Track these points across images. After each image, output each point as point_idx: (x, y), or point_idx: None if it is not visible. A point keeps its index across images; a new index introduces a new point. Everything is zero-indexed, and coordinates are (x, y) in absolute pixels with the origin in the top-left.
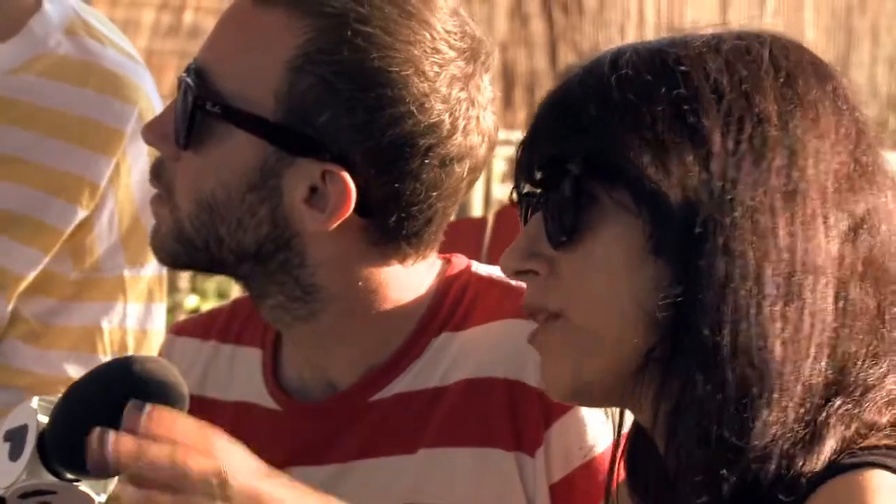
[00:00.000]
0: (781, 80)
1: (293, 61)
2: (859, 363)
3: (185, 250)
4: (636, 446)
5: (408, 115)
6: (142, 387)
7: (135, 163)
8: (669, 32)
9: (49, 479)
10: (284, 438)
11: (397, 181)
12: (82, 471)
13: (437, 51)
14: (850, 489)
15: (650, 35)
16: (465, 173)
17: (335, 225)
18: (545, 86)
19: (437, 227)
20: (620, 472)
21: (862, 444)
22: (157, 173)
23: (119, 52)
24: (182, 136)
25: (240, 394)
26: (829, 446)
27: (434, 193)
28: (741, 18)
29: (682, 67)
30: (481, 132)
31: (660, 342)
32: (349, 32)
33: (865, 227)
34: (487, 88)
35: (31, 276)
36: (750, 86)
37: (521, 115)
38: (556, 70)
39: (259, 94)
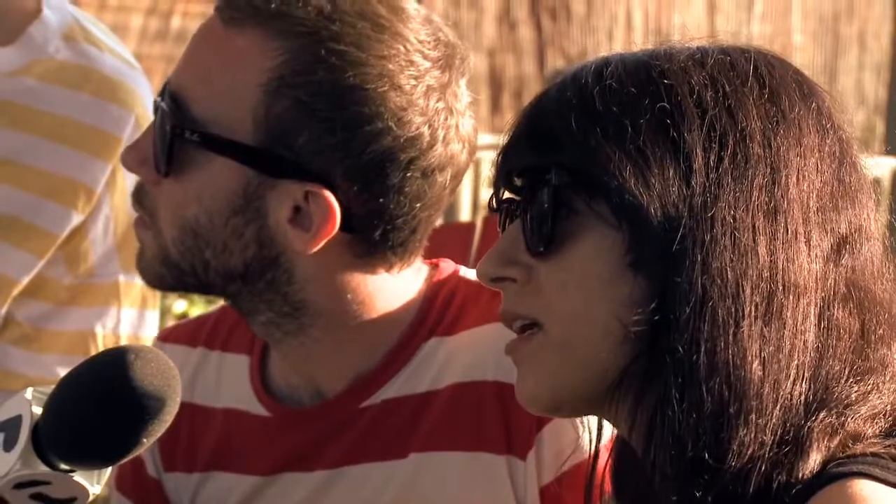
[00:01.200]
0: (765, 96)
1: (268, 84)
2: (843, 382)
3: (171, 274)
4: (621, 454)
5: (386, 130)
6: (135, 379)
7: None
8: (657, 39)
9: (43, 469)
10: (275, 445)
11: (380, 196)
12: (76, 461)
13: (412, 63)
14: (839, 500)
15: (638, 40)
16: (448, 181)
17: (321, 244)
18: (533, 91)
19: (421, 234)
20: (605, 483)
21: (848, 454)
22: (139, 198)
23: (117, 58)
24: (162, 164)
25: (228, 401)
26: (814, 459)
27: (418, 205)
28: (729, 24)
29: (666, 81)
30: (461, 139)
31: (637, 357)
32: (322, 52)
33: (847, 246)
34: (465, 94)
35: (25, 280)
36: (733, 101)
37: (510, 120)
38: (544, 75)
39: (236, 118)
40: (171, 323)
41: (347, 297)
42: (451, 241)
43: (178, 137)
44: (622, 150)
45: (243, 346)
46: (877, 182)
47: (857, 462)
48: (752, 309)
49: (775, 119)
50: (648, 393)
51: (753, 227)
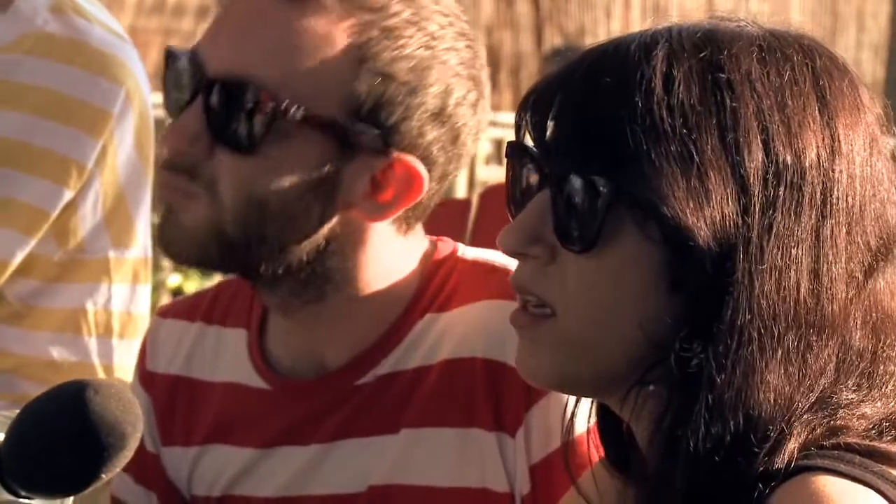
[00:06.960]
0: (824, 120)
1: (352, 61)
2: (841, 394)
3: (218, 248)
4: (607, 423)
5: (467, 94)
6: (95, 416)
7: (121, 143)
8: (655, 16)
9: (4, 497)
10: (273, 418)
11: (451, 161)
12: (37, 490)
13: (459, 28)
14: (800, 495)
15: (636, 17)
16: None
17: (400, 211)
18: (531, 68)
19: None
20: (595, 453)
21: (821, 444)
22: (192, 170)
23: (106, 30)
24: (242, 140)
25: (226, 374)
26: (789, 450)
27: (455, 165)
28: (728, 1)
29: (733, 103)
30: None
31: (657, 369)
32: (398, 23)
33: (876, 266)
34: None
35: (17, 259)
36: (795, 127)
37: (507, 96)
38: (541, 52)
39: (321, 96)
40: (165, 297)
41: (370, 262)
42: (448, 217)
43: (268, 115)
44: (683, 177)
45: (241, 320)
46: None
47: (825, 456)
48: (785, 350)
49: (830, 148)
50: (666, 409)
51: (799, 266)
